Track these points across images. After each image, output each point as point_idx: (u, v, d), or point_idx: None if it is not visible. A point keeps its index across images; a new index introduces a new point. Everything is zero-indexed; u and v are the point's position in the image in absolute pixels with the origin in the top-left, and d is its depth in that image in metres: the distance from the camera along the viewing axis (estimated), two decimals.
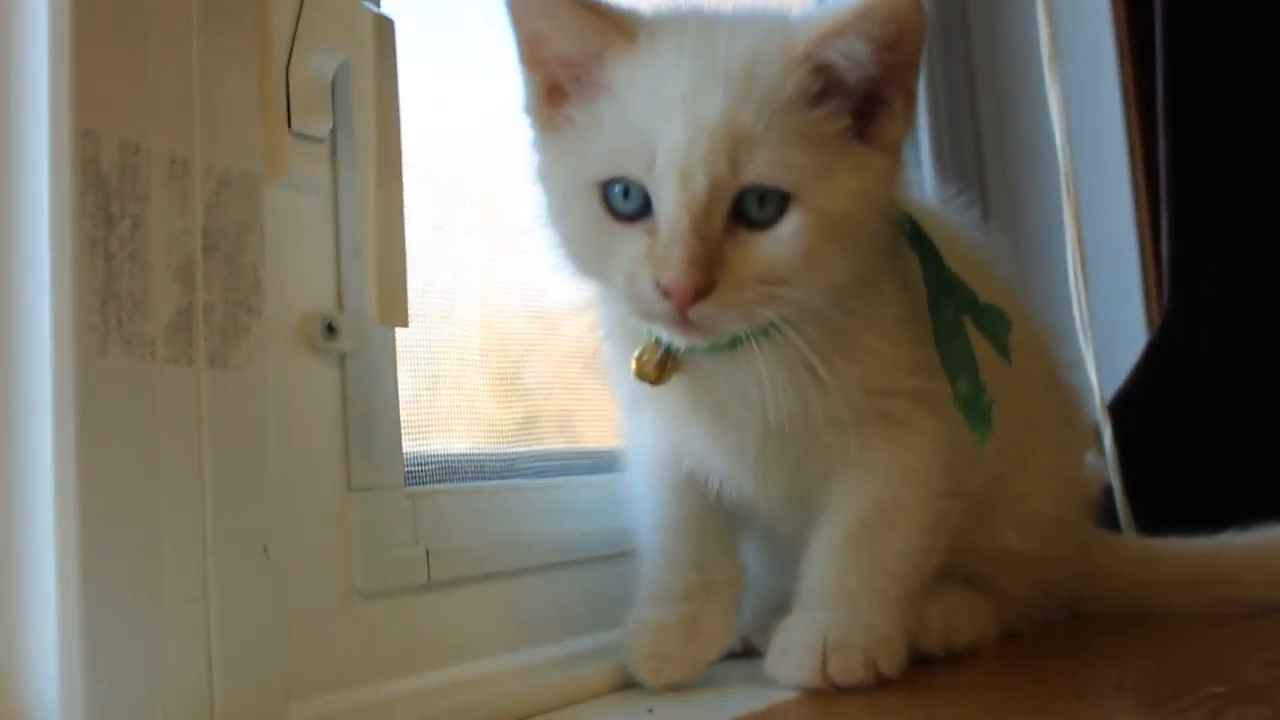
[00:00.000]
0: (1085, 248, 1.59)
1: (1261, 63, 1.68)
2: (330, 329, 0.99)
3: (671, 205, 0.90)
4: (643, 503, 1.16)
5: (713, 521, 1.13)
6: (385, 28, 0.95)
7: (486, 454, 1.23)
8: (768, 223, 0.92)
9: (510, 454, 1.27)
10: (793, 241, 0.91)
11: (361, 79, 0.95)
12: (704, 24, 0.96)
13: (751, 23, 0.97)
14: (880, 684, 1.01)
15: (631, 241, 0.93)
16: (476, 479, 1.19)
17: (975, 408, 1.01)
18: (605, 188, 0.94)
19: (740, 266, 0.91)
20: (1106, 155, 1.92)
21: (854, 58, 0.93)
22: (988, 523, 1.16)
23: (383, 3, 1.05)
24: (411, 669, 1.03)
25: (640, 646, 1.08)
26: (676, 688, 1.06)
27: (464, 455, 1.20)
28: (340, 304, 1.01)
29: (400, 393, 1.08)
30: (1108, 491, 1.57)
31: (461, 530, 1.11)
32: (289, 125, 0.96)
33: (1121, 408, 1.64)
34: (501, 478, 1.21)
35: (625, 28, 0.95)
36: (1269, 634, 1.18)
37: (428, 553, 1.05)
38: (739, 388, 1.01)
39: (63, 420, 0.79)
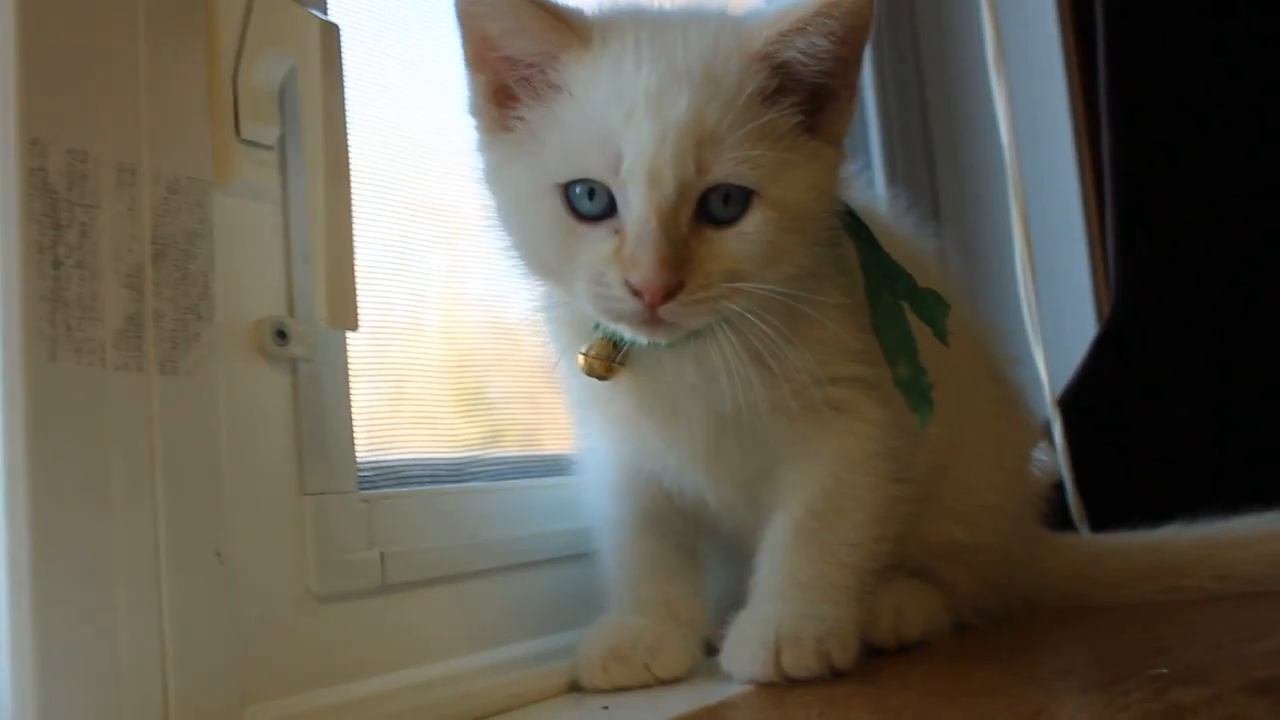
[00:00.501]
0: (1034, 245, 1.62)
1: (1200, 60, 1.70)
2: (281, 334, 0.99)
3: (640, 206, 0.92)
4: (598, 508, 1.18)
5: (670, 527, 1.15)
6: (331, 34, 0.96)
7: (441, 459, 1.23)
8: (731, 220, 0.94)
9: (465, 459, 1.28)
10: (756, 237, 0.94)
11: (308, 85, 0.95)
12: (656, 24, 0.98)
13: (702, 22, 0.98)
14: (834, 675, 1.02)
15: (596, 241, 0.94)
16: (432, 483, 1.19)
17: (916, 389, 1.04)
18: (567, 189, 0.95)
19: (707, 263, 0.93)
20: (1054, 153, 1.94)
21: (812, 54, 0.95)
22: (931, 514, 1.18)
23: (332, 11, 1.07)
24: (368, 672, 1.03)
25: (597, 643, 1.09)
26: (624, 690, 1.06)
27: (418, 460, 1.21)
28: (291, 310, 1.02)
29: (362, 406, 1.09)
30: (1059, 487, 1.59)
31: (417, 534, 1.11)
32: (237, 132, 0.97)
33: (1071, 402, 1.66)
34: (457, 481, 1.21)
35: (578, 29, 0.96)
36: (1212, 620, 1.20)
37: (382, 556, 1.05)
38: (687, 379, 1.03)
39: (12, 426, 0.80)
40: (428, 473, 1.20)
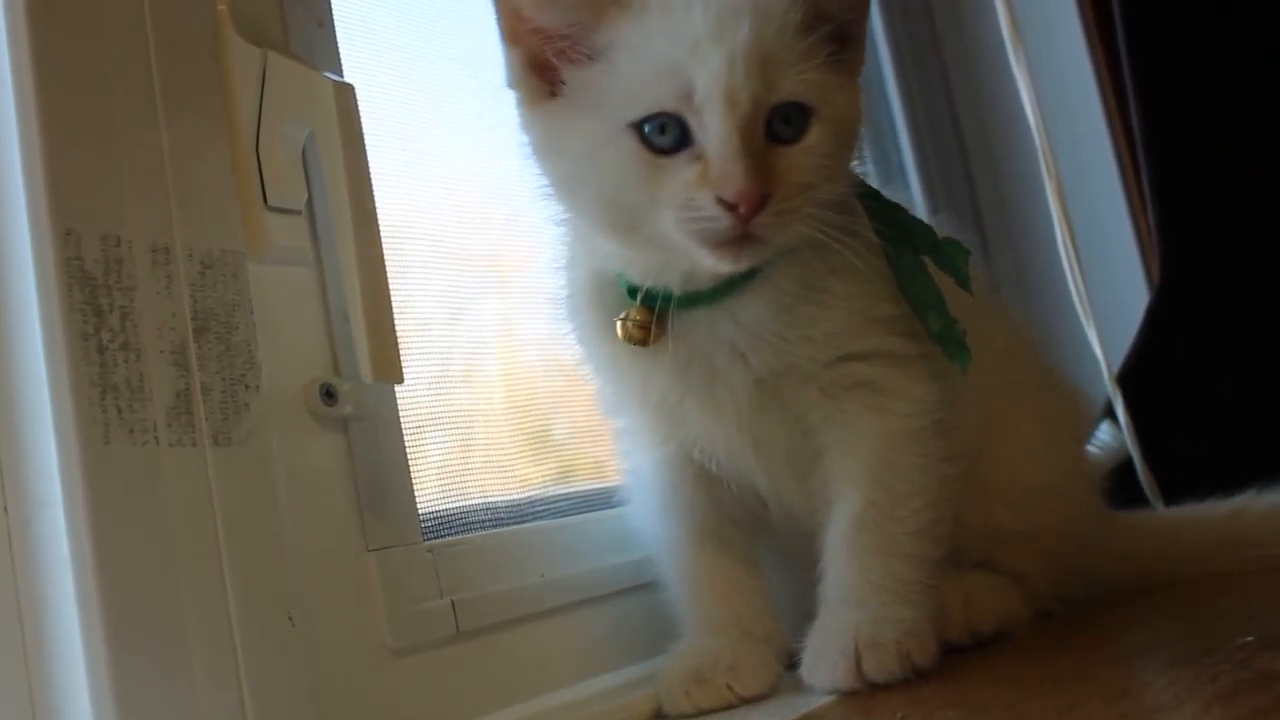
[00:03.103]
0: (1076, 224, 1.60)
1: (1218, 18, 1.69)
2: (330, 394, 1.00)
3: (721, 126, 0.95)
4: (652, 531, 1.18)
5: (728, 539, 1.15)
6: (346, 95, 0.97)
7: (502, 501, 1.24)
8: (795, 137, 0.99)
9: (525, 499, 1.28)
10: (820, 149, 0.99)
11: (329, 147, 0.96)
12: None
13: None
14: (916, 675, 1.01)
15: (678, 171, 0.97)
16: (494, 526, 1.19)
17: (950, 338, 1.06)
18: (640, 128, 0.97)
19: (785, 175, 0.97)
20: (1086, 130, 1.93)
21: None
22: (980, 500, 1.17)
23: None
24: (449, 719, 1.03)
25: (676, 668, 1.09)
26: (709, 713, 1.06)
27: (481, 505, 1.21)
28: (337, 369, 1.03)
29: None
30: (1129, 464, 1.57)
31: (486, 578, 1.11)
32: (265, 200, 0.98)
33: (1130, 378, 1.64)
34: (519, 522, 1.22)
35: None
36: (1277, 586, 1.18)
37: (453, 604, 1.06)
38: (725, 338, 1.05)
39: (74, 513, 0.81)
40: (491, 517, 1.20)
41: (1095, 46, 1.90)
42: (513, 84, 1.04)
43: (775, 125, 0.98)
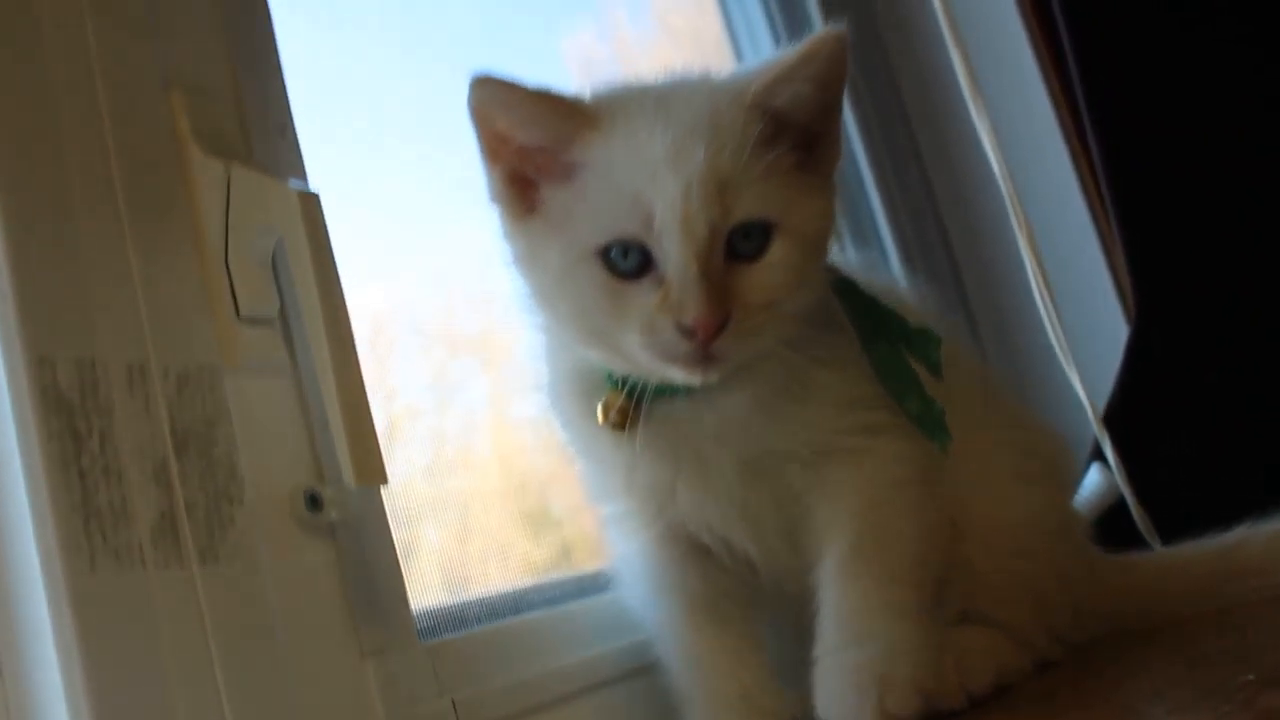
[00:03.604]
0: (1050, 268, 1.60)
1: (1168, 48, 1.70)
2: (314, 501, 1.00)
3: (679, 252, 0.97)
4: (647, 613, 1.18)
5: (724, 612, 1.14)
6: (311, 203, 0.97)
7: (498, 593, 1.23)
8: (756, 254, 1.00)
9: (523, 588, 1.27)
10: (783, 264, 1.00)
11: (297, 256, 0.96)
12: (658, 95, 1.03)
13: (697, 85, 1.06)
14: (929, 706, 1.01)
15: (640, 295, 0.99)
16: (493, 619, 1.19)
17: (929, 419, 1.08)
18: (605, 253, 0.99)
19: (745, 295, 0.99)
20: (1052, 173, 1.93)
21: (798, 99, 1.02)
22: (963, 548, 1.16)
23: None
24: None
25: None
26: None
27: (477, 599, 1.21)
28: (320, 475, 1.02)
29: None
30: (1122, 505, 1.56)
31: (486, 674, 1.10)
32: (237, 312, 0.98)
33: (1115, 418, 1.63)
34: (518, 613, 1.21)
35: (586, 113, 1.02)
36: (1273, 621, 1.17)
37: (454, 703, 1.05)
38: (708, 428, 1.06)
39: (64, 640, 0.81)
40: (488, 610, 1.20)
41: (1054, 91, 1.92)
42: (494, 199, 1.06)
43: (736, 243, 0.99)
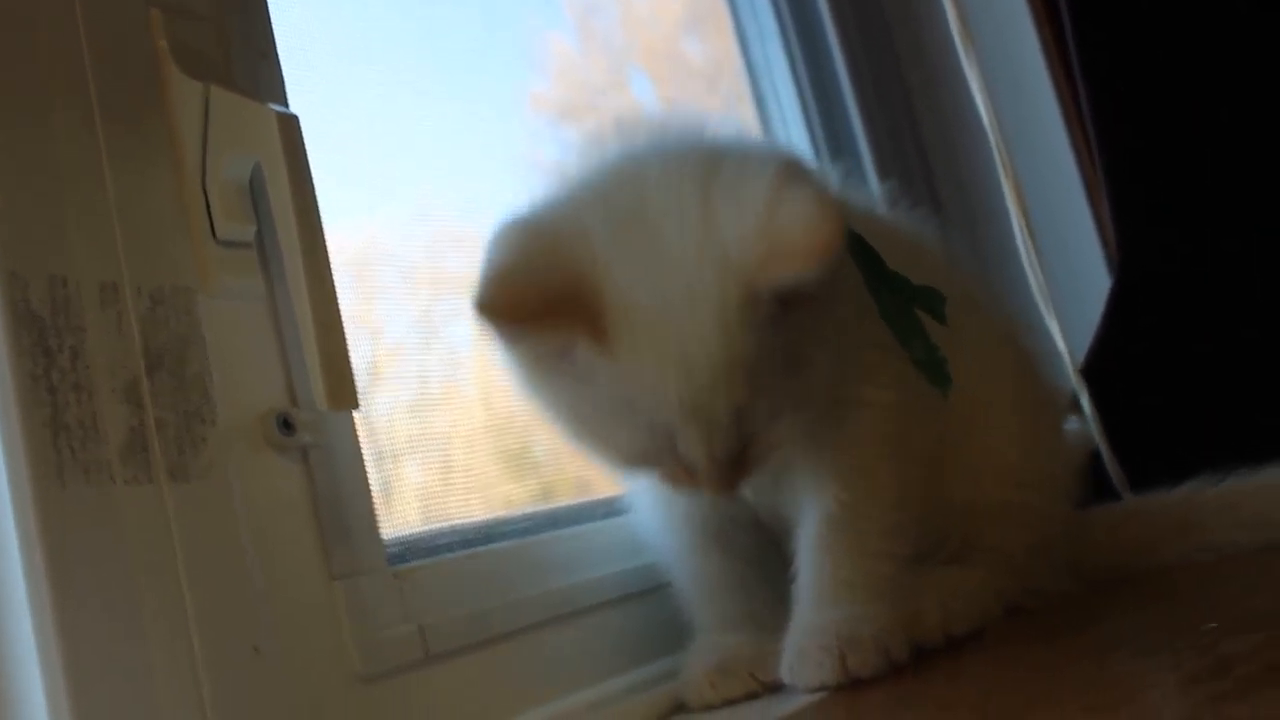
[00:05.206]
0: (1034, 216, 1.61)
1: (1165, 11, 1.69)
2: (287, 424, 1.00)
3: (697, 453, 0.96)
4: (660, 542, 1.21)
5: (733, 542, 1.18)
6: (290, 126, 0.96)
7: (470, 524, 1.23)
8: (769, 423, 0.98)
9: (495, 519, 1.28)
10: (795, 421, 1.00)
11: (275, 179, 0.96)
12: (663, 300, 0.94)
13: (700, 265, 0.94)
14: (893, 668, 1.03)
15: (665, 459, 0.99)
16: (464, 548, 1.19)
17: (932, 364, 1.08)
18: None
19: (762, 451, 0.99)
20: (1039, 114, 1.93)
21: (810, 279, 0.93)
22: (963, 478, 1.19)
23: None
24: None
25: (700, 663, 1.12)
26: (731, 704, 1.09)
27: (448, 528, 1.21)
28: (294, 399, 1.02)
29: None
30: (1096, 456, 1.57)
31: (454, 601, 1.11)
32: (213, 234, 0.98)
33: (1093, 369, 1.64)
34: (488, 543, 1.22)
35: (588, 322, 0.94)
36: (1243, 571, 1.19)
37: (421, 628, 1.05)
38: None
39: (31, 557, 0.81)
40: (460, 539, 1.20)
41: (1046, 38, 1.91)
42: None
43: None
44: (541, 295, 0.94)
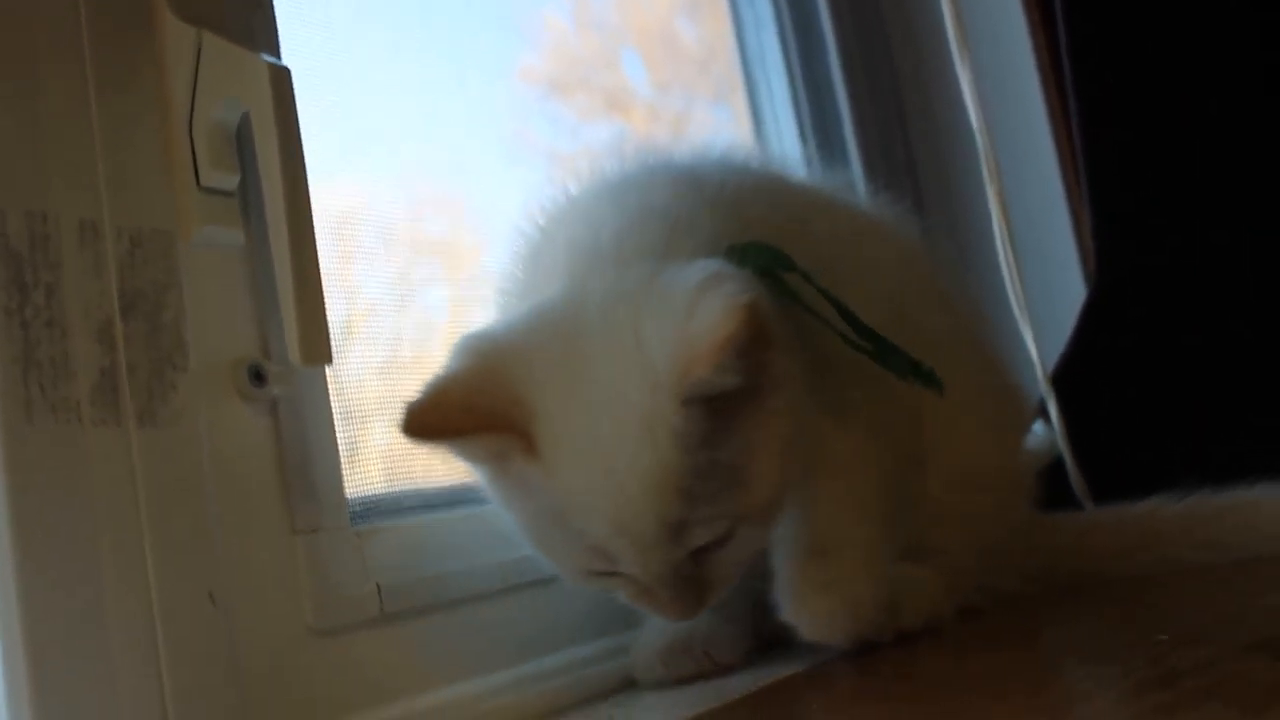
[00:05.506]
0: (1015, 220, 1.61)
1: (1156, 14, 1.70)
2: (258, 375, 1.00)
3: (644, 579, 0.97)
4: None
5: None
6: (282, 77, 0.96)
7: (434, 488, 1.24)
8: (725, 539, 0.97)
9: (461, 485, 1.28)
10: (749, 539, 0.99)
11: (263, 130, 0.96)
12: (587, 401, 0.94)
13: (625, 380, 0.94)
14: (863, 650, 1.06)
15: (619, 577, 0.99)
16: (427, 512, 1.19)
17: (921, 375, 1.05)
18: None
19: (721, 573, 0.99)
20: (1027, 125, 1.94)
21: (728, 378, 0.91)
22: (921, 478, 1.19)
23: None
24: (370, 702, 1.03)
25: (654, 640, 1.13)
26: (682, 683, 1.11)
27: (413, 490, 1.21)
28: (267, 351, 1.02)
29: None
30: (1059, 464, 1.58)
31: (413, 563, 1.11)
32: (197, 181, 0.97)
33: (1063, 378, 1.65)
34: (452, 508, 1.22)
35: (519, 434, 0.95)
36: (1199, 587, 1.20)
37: (379, 586, 1.06)
38: None
39: None
40: (423, 503, 1.20)
41: (1040, 46, 1.92)
42: None
43: (701, 546, 0.96)
44: (470, 411, 0.95)
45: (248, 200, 1.02)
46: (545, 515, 0.97)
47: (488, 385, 0.96)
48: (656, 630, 1.14)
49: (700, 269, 0.96)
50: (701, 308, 0.91)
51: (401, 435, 0.94)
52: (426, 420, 0.95)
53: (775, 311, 0.98)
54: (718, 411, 0.93)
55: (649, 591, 0.98)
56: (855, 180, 1.86)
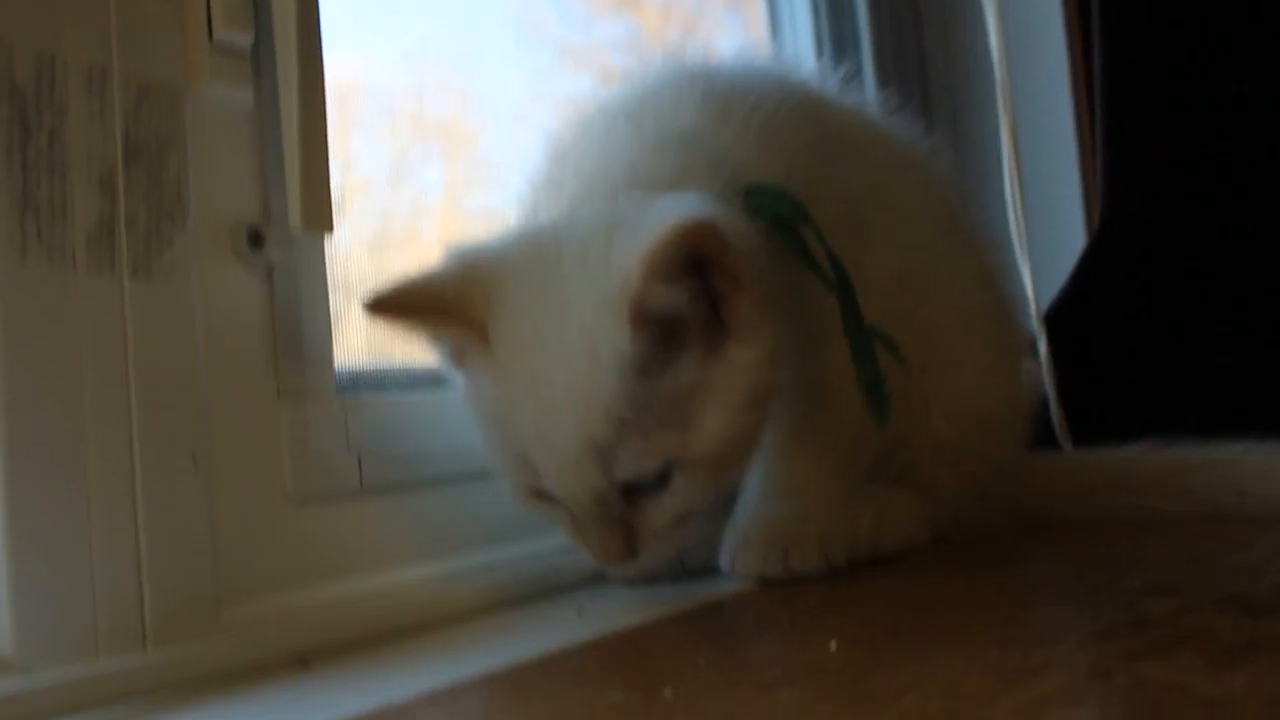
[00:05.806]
0: (1024, 158, 1.60)
1: None
2: (256, 238, 0.99)
3: (572, 512, 0.96)
4: None
5: None
6: None
7: (419, 368, 1.23)
8: (658, 487, 0.95)
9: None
10: (688, 489, 0.95)
11: None
12: (542, 302, 0.93)
13: (580, 295, 0.92)
14: (831, 570, 1.06)
15: (556, 506, 0.98)
16: (412, 390, 1.19)
17: (875, 395, 1.03)
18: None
19: (655, 520, 0.96)
20: (1047, 64, 1.92)
21: (681, 296, 0.91)
22: (918, 411, 1.19)
23: None
24: (343, 573, 1.04)
25: None
26: (651, 583, 1.11)
27: (401, 369, 1.21)
28: (267, 215, 1.01)
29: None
30: (1043, 403, 1.58)
31: (396, 439, 1.12)
32: (210, 36, 0.95)
33: (1056, 318, 1.65)
34: (434, 388, 1.21)
35: (476, 325, 0.94)
36: (1177, 537, 1.20)
37: (360, 458, 1.06)
38: None
39: None
40: (409, 380, 1.20)
41: None
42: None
43: (635, 485, 0.94)
44: (435, 299, 0.95)
45: (260, 65, 1.01)
46: (490, 419, 0.97)
47: (460, 284, 0.95)
48: None
49: (684, 199, 0.94)
50: (664, 228, 0.88)
51: (364, 310, 0.94)
52: (389, 299, 0.94)
53: (767, 253, 0.97)
54: (669, 342, 0.91)
55: (581, 528, 0.97)
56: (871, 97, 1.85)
